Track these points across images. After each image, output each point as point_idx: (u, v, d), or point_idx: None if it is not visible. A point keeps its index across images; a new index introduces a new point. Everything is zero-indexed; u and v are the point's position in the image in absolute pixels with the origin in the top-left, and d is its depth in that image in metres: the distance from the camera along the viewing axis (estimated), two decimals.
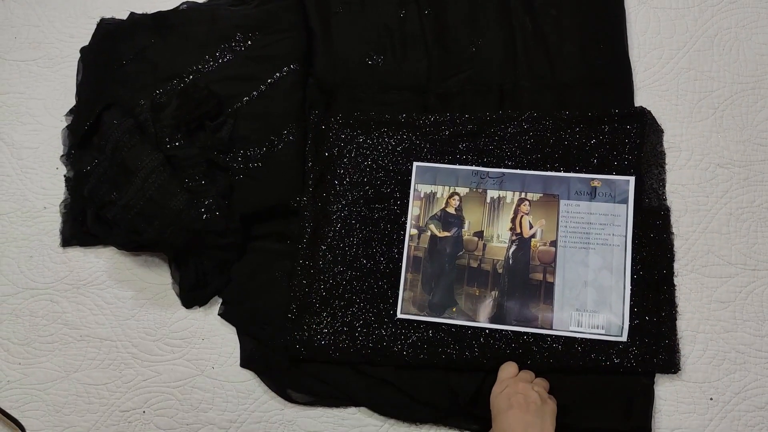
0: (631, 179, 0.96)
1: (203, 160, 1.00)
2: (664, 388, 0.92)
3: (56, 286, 1.05)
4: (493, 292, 0.95)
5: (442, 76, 1.08)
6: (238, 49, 1.08)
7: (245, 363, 0.98)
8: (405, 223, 0.99)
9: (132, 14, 1.14)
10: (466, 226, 0.98)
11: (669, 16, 1.07)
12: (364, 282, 0.98)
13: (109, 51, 1.12)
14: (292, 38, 1.08)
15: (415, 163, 1.01)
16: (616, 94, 1.04)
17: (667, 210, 0.97)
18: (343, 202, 1.01)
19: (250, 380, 0.98)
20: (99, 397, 0.99)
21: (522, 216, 0.97)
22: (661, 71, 1.05)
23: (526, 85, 1.06)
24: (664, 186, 0.99)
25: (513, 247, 0.96)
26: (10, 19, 1.19)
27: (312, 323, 0.96)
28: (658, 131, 1.01)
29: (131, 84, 1.09)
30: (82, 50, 1.14)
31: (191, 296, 1.01)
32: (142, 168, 0.96)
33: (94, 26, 1.15)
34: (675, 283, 0.95)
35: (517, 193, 0.98)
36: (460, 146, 1.02)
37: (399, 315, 0.95)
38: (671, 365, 0.91)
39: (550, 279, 0.94)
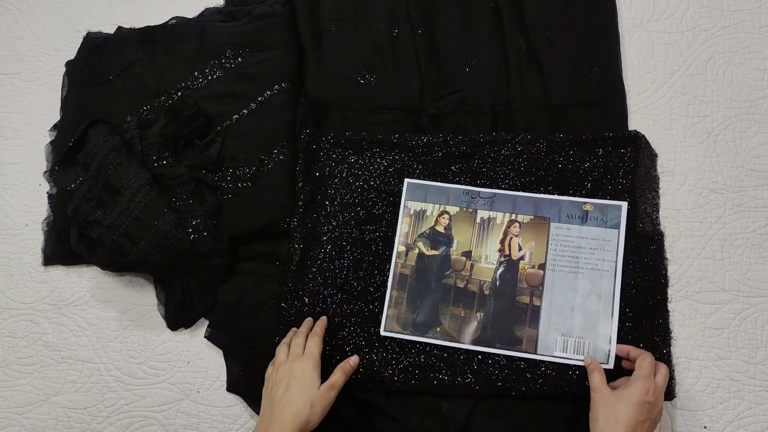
0: (624, 204, 0.95)
1: (191, 179, 0.98)
2: None
3: (37, 306, 1.02)
4: (478, 314, 0.93)
5: (435, 96, 1.07)
6: (228, 66, 1.06)
7: (232, 387, 0.97)
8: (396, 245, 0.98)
9: (120, 28, 1.12)
10: (454, 245, 0.97)
11: (663, 40, 1.07)
12: (354, 305, 0.96)
13: (96, 65, 1.10)
14: (283, 56, 1.07)
15: (406, 180, 1.00)
16: (610, 117, 1.03)
17: (661, 235, 0.97)
18: (334, 223, 0.99)
19: (236, 405, 0.97)
20: (80, 422, 0.97)
21: (511, 237, 0.96)
22: (654, 95, 1.04)
23: (520, 107, 1.05)
24: (657, 211, 0.98)
25: (501, 269, 0.95)
26: None
27: None
28: (651, 155, 1.00)
29: (118, 100, 1.07)
30: (68, 64, 1.12)
31: (177, 318, 0.99)
32: (128, 187, 0.93)
33: (81, 40, 1.13)
34: (669, 309, 0.94)
35: (507, 215, 0.97)
36: (452, 168, 1.01)
37: (382, 332, 0.94)
38: (666, 393, 0.89)
39: (537, 302, 0.93)
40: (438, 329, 0.93)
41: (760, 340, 0.94)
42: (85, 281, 1.03)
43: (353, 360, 0.91)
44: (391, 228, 0.99)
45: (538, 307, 0.93)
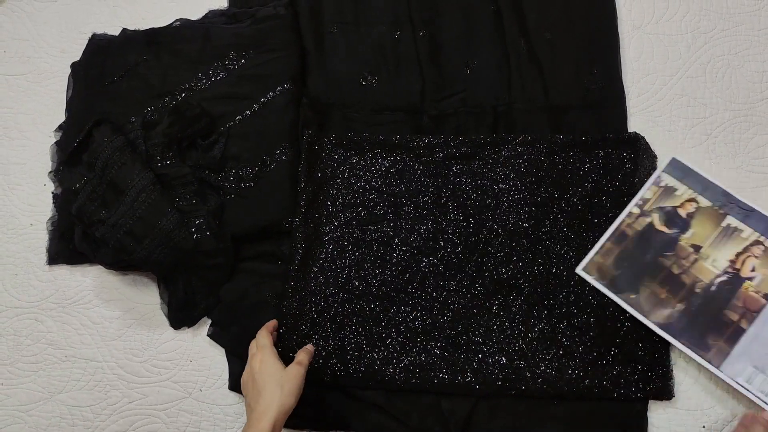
0: None
1: (194, 179, 0.99)
2: (657, 415, 0.91)
3: (41, 304, 1.03)
4: (679, 304, 0.91)
5: (436, 98, 1.08)
6: (231, 67, 1.07)
7: (234, 386, 0.97)
8: (398, 245, 0.98)
9: (124, 30, 1.13)
10: (688, 233, 0.94)
11: (662, 42, 1.08)
12: (355, 305, 0.97)
13: (101, 67, 1.11)
14: (286, 57, 1.08)
15: (673, 157, 0.98)
16: (610, 119, 1.04)
17: None
18: (336, 224, 1.00)
19: (238, 403, 0.97)
20: (83, 420, 0.98)
21: (749, 256, 0.92)
22: (654, 97, 1.05)
23: (520, 108, 1.06)
24: None
25: (723, 277, 0.92)
26: None
27: (302, 346, 0.95)
28: (651, 157, 1.01)
29: (122, 101, 1.08)
30: (73, 65, 1.13)
31: (180, 317, 1.00)
32: (132, 186, 0.94)
33: (86, 41, 1.14)
34: None
35: (756, 234, 0.93)
36: (453, 168, 1.01)
37: (579, 270, 0.95)
38: (665, 392, 0.90)
39: (744, 325, 0.89)
40: (633, 296, 0.92)
41: None
42: (89, 280, 1.04)
43: (310, 345, 0.92)
44: (392, 228, 1.00)
45: (743, 330, 0.89)
